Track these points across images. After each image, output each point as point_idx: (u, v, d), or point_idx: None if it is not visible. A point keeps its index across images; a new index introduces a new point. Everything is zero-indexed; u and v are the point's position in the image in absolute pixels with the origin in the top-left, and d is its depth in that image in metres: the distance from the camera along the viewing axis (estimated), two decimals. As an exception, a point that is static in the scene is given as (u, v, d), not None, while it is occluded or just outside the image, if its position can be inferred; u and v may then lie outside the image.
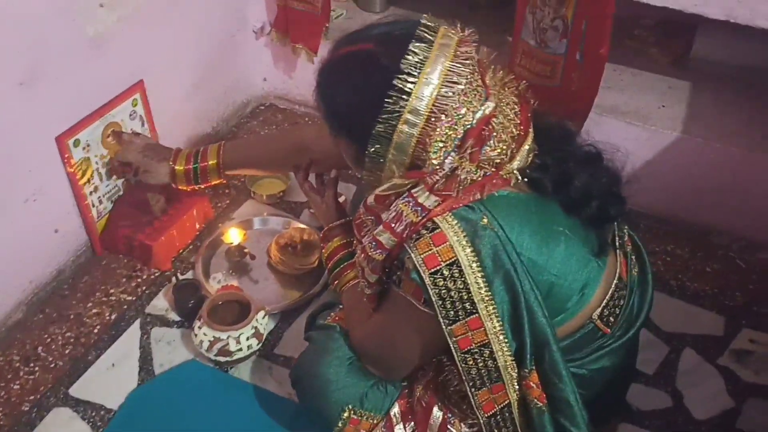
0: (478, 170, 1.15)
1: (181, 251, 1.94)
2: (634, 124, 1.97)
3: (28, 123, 1.61)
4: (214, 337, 1.61)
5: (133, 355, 1.70)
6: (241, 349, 1.62)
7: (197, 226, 1.99)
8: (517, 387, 1.20)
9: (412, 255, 1.13)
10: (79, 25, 1.66)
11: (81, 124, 1.74)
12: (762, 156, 1.91)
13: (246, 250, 1.90)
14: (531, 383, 1.18)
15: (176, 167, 1.74)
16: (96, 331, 1.75)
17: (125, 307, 1.81)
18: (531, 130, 1.21)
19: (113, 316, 1.79)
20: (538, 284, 1.15)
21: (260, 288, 1.86)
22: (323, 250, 1.53)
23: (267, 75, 2.42)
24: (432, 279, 1.12)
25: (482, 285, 1.12)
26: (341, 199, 1.82)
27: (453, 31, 1.16)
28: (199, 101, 2.18)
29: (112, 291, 1.84)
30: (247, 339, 1.63)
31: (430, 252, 1.12)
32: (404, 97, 1.10)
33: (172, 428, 1.56)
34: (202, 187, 1.77)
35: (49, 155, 1.70)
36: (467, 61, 1.13)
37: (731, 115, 2.02)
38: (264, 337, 1.68)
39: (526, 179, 1.20)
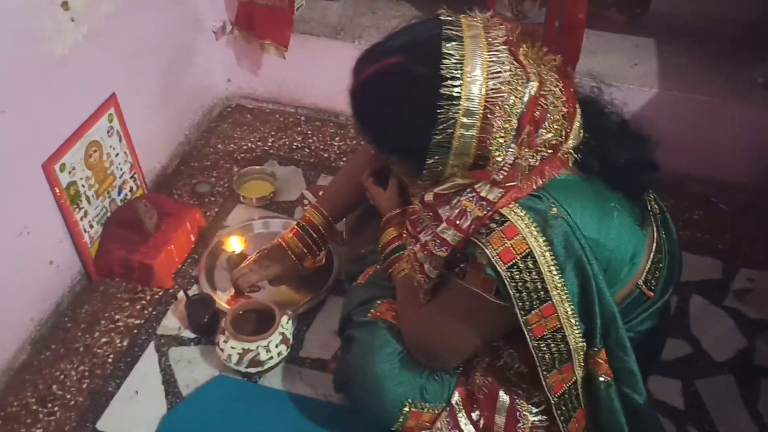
0: (536, 155, 1.14)
1: (180, 266, 1.88)
2: (613, 85, 2.01)
3: (12, 153, 1.52)
4: (243, 348, 1.57)
5: (154, 379, 1.64)
6: (272, 357, 1.59)
7: (192, 238, 1.92)
8: (582, 364, 1.22)
9: (487, 251, 1.12)
10: (48, 44, 1.56)
11: (64, 148, 1.65)
12: (727, 101, 2.00)
13: (248, 256, 1.85)
14: (599, 359, 1.21)
15: (294, 251, 1.70)
16: (110, 360, 1.68)
17: (135, 331, 1.74)
18: (577, 105, 1.20)
19: (125, 343, 1.71)
20: (600, 262, 1.16)
21: (268, 293, 1.82)
22: (381, 236, 1.50)
23: (231, 75, 2.35)
24: (509, 273, 1.12)
25: (555, 273, 1.13)
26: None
27: (474, 19, 1.13)
28: (169, 109, 2.10)
29: (117, 317, 1.77)
30: (277, 346, 1.59)
31: (504, 246, 1.11)
32: (454, 102, 1.08)
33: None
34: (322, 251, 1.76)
35: (37, 184, 1.60)
36: (502, 47, 1.11)
37: (697, 65, 2.10)
38: (291, 342, 1.65)
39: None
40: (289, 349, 1.63)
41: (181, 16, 2.08)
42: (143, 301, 1.80)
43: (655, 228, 1.30)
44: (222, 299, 1.77)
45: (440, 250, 1.19)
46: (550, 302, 1.13)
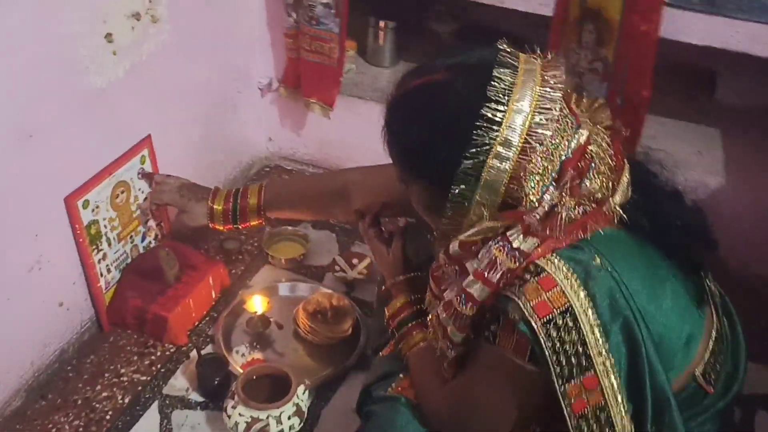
0: (578, 207, 1.03)
1: (197, 323, 1.75)
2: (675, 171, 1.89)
3: (35, 181, 1.44)
4: (251, 417, 1.42)
5: (153, 443, 1.49)
6: (282, 431, 1.43)
7: (213, 294, 1.80)
8: None
9: (520, 302, 0.99)
10: (87, 75, 1.50)
11: (90, 184, 1.57)
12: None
13: (272, 320, 1.73)
14: None
15: (215, 206, 1.61)
16: (108, 417, 1.54)
17: (140, 388, 1.60)
18: (626, 161, 1.11)
19: (127, 400, 1.57)
20: (651, 335, 1.02)
21: (287, 361, 1.68)
22: (386, 309, 1.37)
23: (273, 134, 2.28)
24: (545, 330, 0.98)
25: (599, 335, 0.98)
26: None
27: (534, 57, 1.06)
28: (206, 160, 2.03)
29: (122, 371, 1.64)
30: (289, 418, 1.44)
31: (540, 299, 0.98)
32: (494, 127, 0.98)
33: None
34: (241, 227, 1.64)
35: (56, 218, 1.52)
36: (557, 86, 1.03)
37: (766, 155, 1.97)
38: (305, 415, 1.49)
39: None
40: (302, 423, 1.48)
41: (229, 67, 2.04)
42: (153, 357, 1.67)
43: (714, 312, 1.16)
44: (237, 363, 1.63)
45: (465, 307, 1.05)
46: (592, 372, 0.98)
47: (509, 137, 0.98)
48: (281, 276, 1.90)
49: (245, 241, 2.01)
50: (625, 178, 1.09)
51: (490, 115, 0.98)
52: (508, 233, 1.02)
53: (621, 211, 1.06)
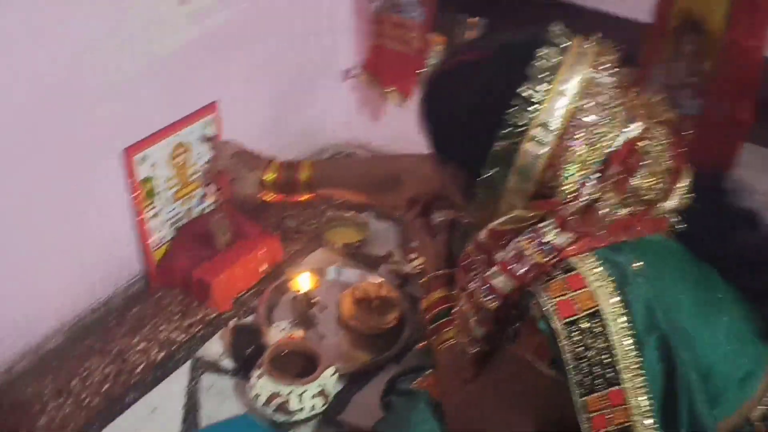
0: (623, 207, 0.94)
1: (242, 293, 1.74)
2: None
3: (95, 130, 1.46)
4: (273, 390, 1.38)
5: (177, 401, 1.48)
6: (302, 409, 1.39)
7: (262, 268, 1.78)
8: None
9: (540, 299, 0.90)
10: (160, 35, 1.52)
11: (150, 140, 1.58)
12: None
13: (315, 300, 1.69)
14: None
15: (266, 177, 1.58)
16: (139, 369, 1.54)
17: (175, 347, 1.59)
18: (686, 165, 1.01)
19: (160, 356, 1.57)
20: (697, 366, 0.92)
21: (327, 345, 1.63)
22: (422, 301, 1.30)
23: (349, 121, 2.26)
24: (566, 331, 0.89)
25: (630, 348, 0.88)
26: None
27: (589, 42, 0.98)
28: (274, 137, 2.01)
29: (162, 328, 1.64)
30: (312, 398, 1.40)
31: (564, 296, 0.89)
32: (532, 108, 0.91)
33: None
34: (291, 200, 1.62)
35: (113, 169, 1.53)
36: (611, 71, 0.95)
37: None
38: (330, 398, 1.44)
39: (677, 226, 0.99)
40: (325, 406, 1.43)
41: (311, 46, 2.03)
42: (193, 319, 1.66)
43: None
44: (274, 337, 1.60)
45: (487, 299, 0.97)
46: (619, 387, 0.88)
47: (548, 120, 0.91)
48: (335, 260, 1.86)
49: (305, 222, 1.99)
50: (683, 183, 0.99)
51: (528, 94, 0.90)
52: (540, 225, 0.94)
53: (674, 219, 0.97)
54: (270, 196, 1.61)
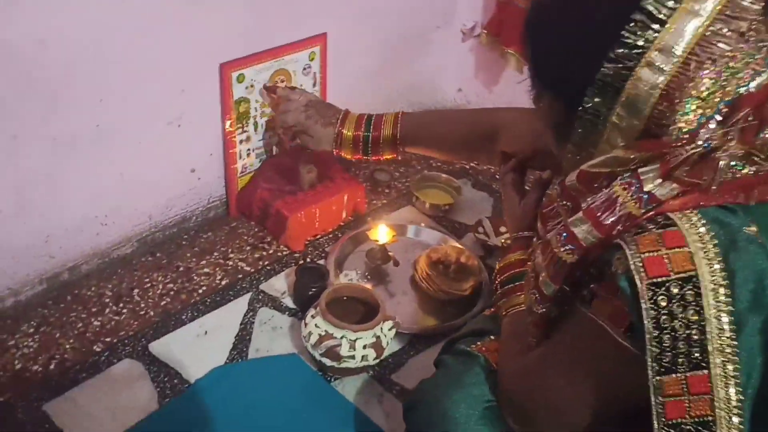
0: (747, 162, 0.78)
1: (318, 236, 1.67)
2: None
3: (195, 40, 1.43)
4: (326, 331, 1.31)
5: (230, 329, 1.43)
6: (353, 357, 1.30)
7: (344, 214, 1.71)
8: None
9: (628, 251, 0.76)
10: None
11: (249, 60, 1.53)
12: None
13: (391, 254, 1.60)
14: None
15: (344, 132, 1.40)
16: (201, 291, 1.51)
17: (240, 276, 1.55)
18: None
19: (224, 282, 1.53)
20: None
21: (395, 303, 1.54)
22: (498, 262, 1.18)
23: (463, 85, 2.15)
24: (651, 293, 0.74)
25: (726, 327, 0.73)
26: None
27: None
28: (379, 87, 1.93)
29: (231, 255, 1.60)
30: (364, 347, 1.31)
31: (655, 253, 0.75)
32: (654, 27, 0.76)
33: (248, 422, 1.27)
34: (372, 159, 1.45)
35: (207, 81, 1.50)
36: (756, 2, 0.78)
37: None
38: (384, 353, 1.35)
39: None
40: (377, 360, 1.34)
41: (433, 2, 1.93)
42: (264, 253, 1.62)
43: None
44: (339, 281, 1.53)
45: (565, 250, 0.83)
46: (705, 372, 0.73)
47: (672, 43, 0.75)
48: (421, 221, 1.76)
49: (397, 178, 1.90)
50: None
51: (651, 8, 0.76)
52: (641, 170, 0.79)
53: None
54: (347, 154, 1.44)
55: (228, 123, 1.56)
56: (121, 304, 1.45)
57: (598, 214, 0.80)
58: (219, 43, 1.47)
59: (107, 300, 1.45)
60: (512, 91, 2.02)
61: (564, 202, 0.88)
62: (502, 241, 1.69)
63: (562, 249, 0.84)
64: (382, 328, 1.33)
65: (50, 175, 1.33)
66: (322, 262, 1.60)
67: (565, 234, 0.83)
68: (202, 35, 1.43)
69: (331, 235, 1.69)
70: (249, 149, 1.64)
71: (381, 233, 1.61)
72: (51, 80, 1.25)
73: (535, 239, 1.00)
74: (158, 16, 1.34)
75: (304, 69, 1.65)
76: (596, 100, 0.80)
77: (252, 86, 1.56)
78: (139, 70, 1.36)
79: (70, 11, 1.22)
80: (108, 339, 1.38)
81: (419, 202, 1.79)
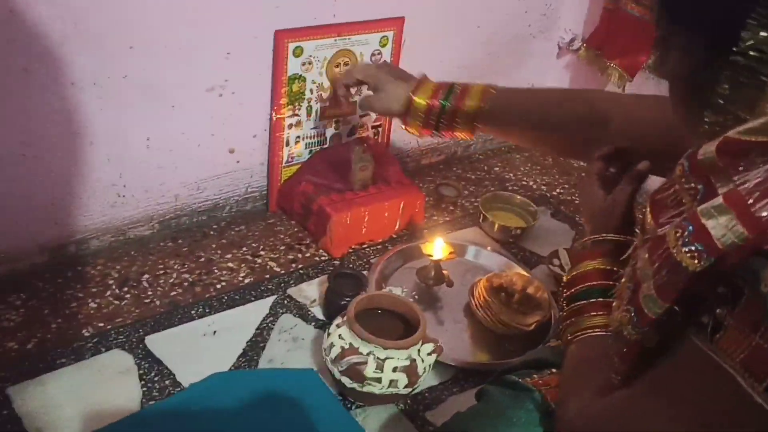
0: None
1: (364, 244, 1.45)
2: None
3: (248, 3, 1.25)
4: (350, 344, 1.06)
5: (244, 332, 1.21)
6: (379, 380, 1.05)
7: (397, 225, 1.48)
8: None
9: None
10: None
11: (311, 32, 1.35)
12: None
13: (445, 272, 1.35)
14: None
15: (416, 98, 1.19)
16: (219, 286, 1.30)
17: (267, 276, 1.34)
18: None
19: (248, 280, 1.32)
20: None
21: (443, 330, 1.29)
22: (568, 272, 0.92)
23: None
24: None
25: None
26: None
27: None
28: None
29: (262, 253, 1.39)
30: (395, 370, 1.06)
31: None
32: None
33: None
34: (442, 135, 1.23)
35: (259, 49, 1.32)
36: None
37: None
38: (419, 382, 1.09)
39: None
40: (410, 389, 1.08)
41: (533, 7, 1.71)
42: (299, 255, 1.40)
43: None
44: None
45: (691, 252, 0.56)
46: None
47: None
48: (487, 244, 1.51)
49: (466, 197, 1.67)
50: None
51: None
52: None
53: None
54: (413, 127, 1.23)
55: (279, 102, 1.37)
56: (126, 288, 1.26)
57: (750, 201, 0.54)
58: (278, 5, 1.29)
59: (111, 282, 1.26)
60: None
61: (691, 184, 0.62)
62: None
63: (684, 250, 0.57)
64: (419, 351, 1.08)
65: (61, 122, 1.16)
66: (365, 273, 1.37)
67: (691, 227, 0.57)
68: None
69: (379, 246, 1.46)
70: (298, 136, 1.44)
71: (436, 248, 1.37)
72: (72, 7, 1.08)
73: (637, 240, 0.73)
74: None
75: (373, 55, 1.45)
76: (762, 34, 0.56)
77: (310, 63, 1.37)
78: (178, 19, 1.19)
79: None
80: (101, 324, 1.18)
81: (487, 223, 1.54)
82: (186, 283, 1.29)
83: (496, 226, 1.53)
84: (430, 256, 1.37)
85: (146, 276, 1.29)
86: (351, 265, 1.39)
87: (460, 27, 1.61)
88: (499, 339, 1.28)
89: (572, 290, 0.87)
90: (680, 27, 0.65)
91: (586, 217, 0.97)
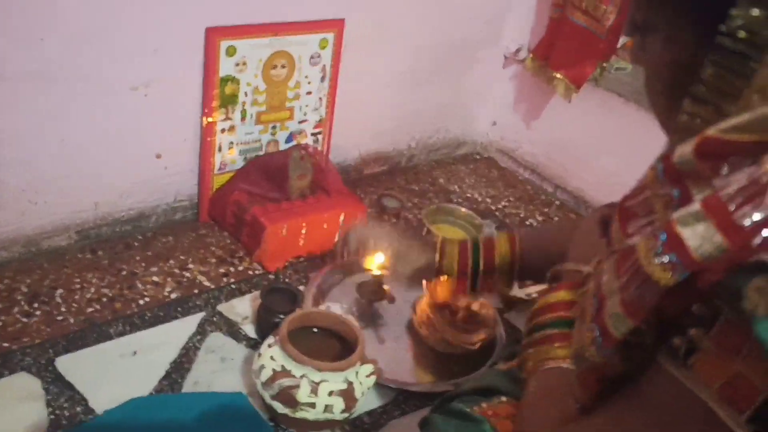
0: None
1: (301, 258, 1.36)
2: None
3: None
4: (282, 366, 0.98)
5: (168, 352, 1.12)
6: (313, 405, 0.97)
7: (337, 237, 1.39)
8: None
9: None
10: None
11: (244, 30, 1.27)
12: None
13: (386, 289, 1.28)
14: None
15: (444, 261, 1.07)
16: (142, 302, 1.20)
17: (196, 291, 1.24)
18: None
19: (174, 295, 1.23)
20: None
21: (384, 349, 1.22)
22: (537, 300, 0.84)
23: (499, 117, 1.86)
24: None
25: None
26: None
27: None
28: (404, 99, 1.65)
29: (191, 266, 1.29)
30: (330, 394, 0.98)
31: None
32: None
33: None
34: (481, 291, 1.09)
35: (189, 47, 1.23)
36: None
37: None
38: (356, 406, 1.01)
39: None
40: (346, 414, 1.00)
41: (476, 19, 1.66)
42: (231, 269, 1.31)
43: None
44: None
45: (663, 264, 0.50)
46: None
47: None
48: (429, 258, 1.45)
49: (409, 209, 1.60)
50: None
51: None
52: None
53: None
54: (444, 292, 1.15)
55: (210, 105, 1.28)
56: (36, 304, 1.14)
57: (732, 207, 0.48)
58: (210, 2, 1.20)
59: (19, 297, 1.15)
60: (552, 126, 1.75)
61: (665, 190, 0.55)
62: (529, 294, 1.36)
63: (655, 261, 0.51)
64: (357, 373, 1.01)
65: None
66: (301, 288, 1.28)
67: (664, 236, 0.51)
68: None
69: (318, 260, 1.37)
70: (232, 142, 1.35)
71: (376, 264, 1.29)
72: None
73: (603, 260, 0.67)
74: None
75: (312, 58, 1.38)
76: (754, 12, 0.51)
77: (245, 64, 1.28)
78: (96, 7, 1.09)
79: None
80: (5, 344, 1.06)
81: (431, 236, 1.48)
82: (105, 299, 1.19)
83: (439, 239, 1.46)
84: (371, 270, 1.29)
85: (60, 291, 1.18)
86: (287, 280, 1.31)
87: (403, 31, 1.54)
88: (442, 358, 1.22)
89: (539, 319, 0.80)
90: (663, 5, 0.60)
91: (572, 247, 0.90)
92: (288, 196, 1.35)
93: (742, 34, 0.51)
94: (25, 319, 1.12)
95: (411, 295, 1.31)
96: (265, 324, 1.15)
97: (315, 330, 1.08)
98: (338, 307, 1.25)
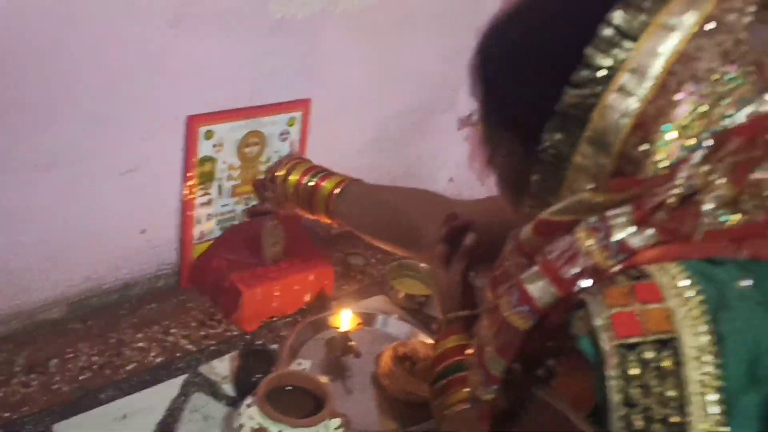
0: (732, 210, 0.62)
1: (275, 318, 1.49)
2: None
3: (165, 89, 1.30)
4: (259, 424, 1.10)
5: (155, 414, 1.22)
6: (289, 458, 1.09)
7: (307, 297, 1.53)
8: None
9: (591, 304, 0.59)
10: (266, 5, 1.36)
11: (222, 116, 1.40)
12: None
13: (353, 344, 1.41)
14: None
15: (291, 176, 1.32)
16: (129, 368, 1.31)
17: (179, 355, 1.36)
18: None
19: (157, 360, 1.34)
20: None
21: (352, 400, 1.34)
22: (433, 350, 1.01)
23: (455, 174, 2.01)
24: (620, 357, 0.57)
25: (714, 407, 0.55)
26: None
27: None
28: (368, 166, 1.79)
29: (173, 331, 1.41)
30: (303, 448, 1.10)
31: (626, 308, 0.58)
32: (622, 43, 0.62)
33: None
34: (311, 217, 1.34)
35: (170, 134, 1.36)
36: (746, 11, 0.64)
37: None
38: (327, 457, 1.14)
39: None
40: (320, 466, 1.12)
41: (434, 85, 1.82)
42: (211, 331, 1.43)
43: None
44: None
45: (518, 313, 0.66)
46: None
47: (645, 64, 0.61)
48: (393, 312, 1.58)
49: (373, 265, 1.73)
50: None
51: (620, 23, 0.62)
52: (610, 213, 0.63)
53: None
54: (289, 207, 1.36)
55: (188, 183, 1.41)
56: (32, 375, 1.25)
57: (558, 266, 0.64)
58: (190, 93, 1.34)
59: (17, 369, 1.26)
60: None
61: (518, 260, 0.71)
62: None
63: (513, 312, 0.66)
64: (327, 426, 1.13)
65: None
66: (275, 347, 1.41)
67: (517, 294, 0.66)
68: (168, 86, 1.31)
69: (290, 318, 1.50)
70: (209, 214, 1.48)
71: (343, 321, 1.43)
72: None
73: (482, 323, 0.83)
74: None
75: (282, 134, 1.52)
76: (557, 136, 0.66)
77: (221, 145, 1.42)
78: (96, 102, 1.23)
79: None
80: (6, 414, 1.17)
81: (393, 291, 1.62)
82: (95, 366, 1.30)
83: (402, 294, 1.60)
84: (338, 327, 1.42)
85: (54, 360, 1.29)
86: (262, 340, 1.43)
87: (366, 104, 1.69)
88: (405, 406, 1.34)
89: (437, 370, 0.95)
90: (499, 127, 0.75)
91: (437, 300, 1.07)
92: (263, 261, 1.48)
93: (552, 151, 0.66)
94: (23, 389, 1.22)
95: (376, 349, 1.44)
96: (243, 383, 1.27)
97: (289, 388, 1.20)
98: (308, 363, 1.38)
